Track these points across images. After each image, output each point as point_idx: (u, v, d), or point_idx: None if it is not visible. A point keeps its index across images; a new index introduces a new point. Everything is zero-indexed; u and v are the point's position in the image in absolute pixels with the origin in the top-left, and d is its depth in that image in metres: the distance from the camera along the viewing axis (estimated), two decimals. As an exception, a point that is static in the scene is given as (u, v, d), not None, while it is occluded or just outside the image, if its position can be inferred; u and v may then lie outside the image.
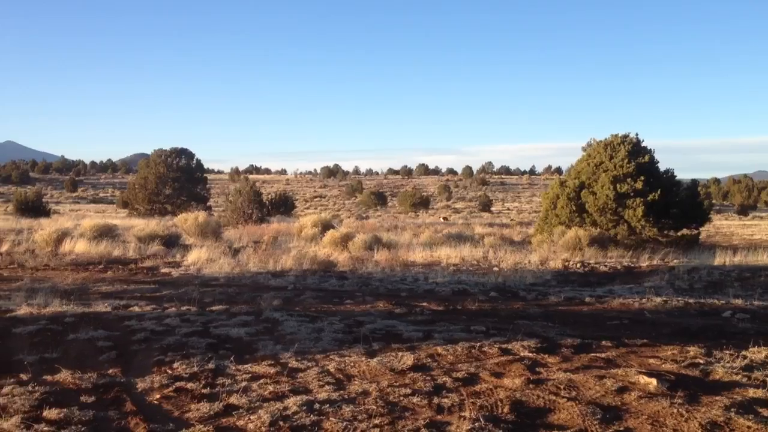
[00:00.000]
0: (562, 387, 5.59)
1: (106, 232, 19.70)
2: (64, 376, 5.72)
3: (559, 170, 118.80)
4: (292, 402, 5.09)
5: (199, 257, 15.08)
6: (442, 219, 45.56)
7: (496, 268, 14.87)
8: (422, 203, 64.91)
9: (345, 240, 18.82)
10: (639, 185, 19.86)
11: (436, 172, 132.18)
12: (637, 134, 21.47)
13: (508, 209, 70.85)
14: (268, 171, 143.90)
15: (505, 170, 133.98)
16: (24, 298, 9.44)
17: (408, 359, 6.37)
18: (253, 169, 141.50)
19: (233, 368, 6.06)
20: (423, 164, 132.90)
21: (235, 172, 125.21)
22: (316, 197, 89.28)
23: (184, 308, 9.08)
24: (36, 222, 28.12)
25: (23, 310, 8.59)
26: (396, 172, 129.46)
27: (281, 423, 4.70)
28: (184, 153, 46.47)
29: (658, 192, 19.83)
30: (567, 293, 11.54)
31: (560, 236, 18.95)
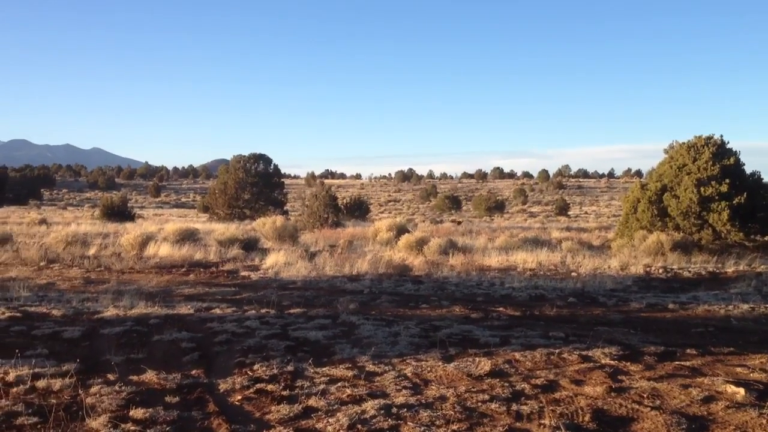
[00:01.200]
0: (645, 396, 5.45)
1: (188, 236, 20.24)
2: (150, 376, 5.91)
3: (639, 173, 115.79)
4: (370, 406, 5.11)
5: (276, 261, 15.32)
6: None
7: (574, 273, 14.59)
8: (497, 207, 64.34)
9: (420, 244, 18.80)
10: (724, 188, 19.13)
11: (511, 175, 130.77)
12: (721, 136, 20.70)
13: (586, 213, 69.46)
14: (343, 176, 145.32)
15: (583, 173, 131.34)
16: (111, 300, 9.80)
17: (485, 365, 6.32)
18: (329, 174, 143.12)
19: (311, 371, 6.13)
20: (498, 168, 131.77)
21: (311, 176, 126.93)
22: (390, 201, 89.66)
23: (263, 311, 9.26)
24: (121, 226, 29.14)
25: (110, 312, 8.91)
26: (470, 176, 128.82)
27: (359, 426, 4.73)
28: (262, 158, 47.38)
29: (744, 195, 19.06)
30: (649, 299, 11.23)
31: (641, 241, 18.45)
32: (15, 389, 5.45)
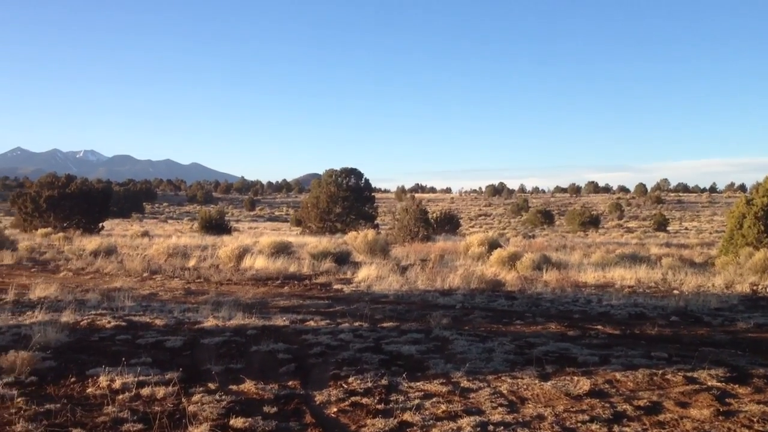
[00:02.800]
0: (755, 420, 5.18)
1: (282, 249, 20.66)
2: (248, 386, 6.02)
3: (742, 187, 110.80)
4: (466, 422, 5.04)
5: (368, 274, 15.40)
6: None
7: (676, 291, 14.04)
8: (592, 222, 62.77)
9: (512, 259, 18.52)
10: (837, 203, 18.09)
11: (606, 189, 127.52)
12: (834, 147, 19.62)
13: (686, 229, 66.91)
14: (433, 189, 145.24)
15: (683, 188, 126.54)
16: (210, 310, 10.06)
17: (584, 384, 6.14)
18: (419, 188, 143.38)
19: (405, 385, 6.11)
20: (592, 182, 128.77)
21: (402, 190, 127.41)
22: (480, 215, 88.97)
23: (356, 324, 9.31)
24: (219, 239, 30.06)
25: (210, 322, 9.16)
26: (563, 190, 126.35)
27: (455, 443, 4.66)
28: (353, 173, 47.95)
29: None
30: (757, 319, 10.67)
31: (747, 258, 17.59)
32: (121, 396, 5.67)
